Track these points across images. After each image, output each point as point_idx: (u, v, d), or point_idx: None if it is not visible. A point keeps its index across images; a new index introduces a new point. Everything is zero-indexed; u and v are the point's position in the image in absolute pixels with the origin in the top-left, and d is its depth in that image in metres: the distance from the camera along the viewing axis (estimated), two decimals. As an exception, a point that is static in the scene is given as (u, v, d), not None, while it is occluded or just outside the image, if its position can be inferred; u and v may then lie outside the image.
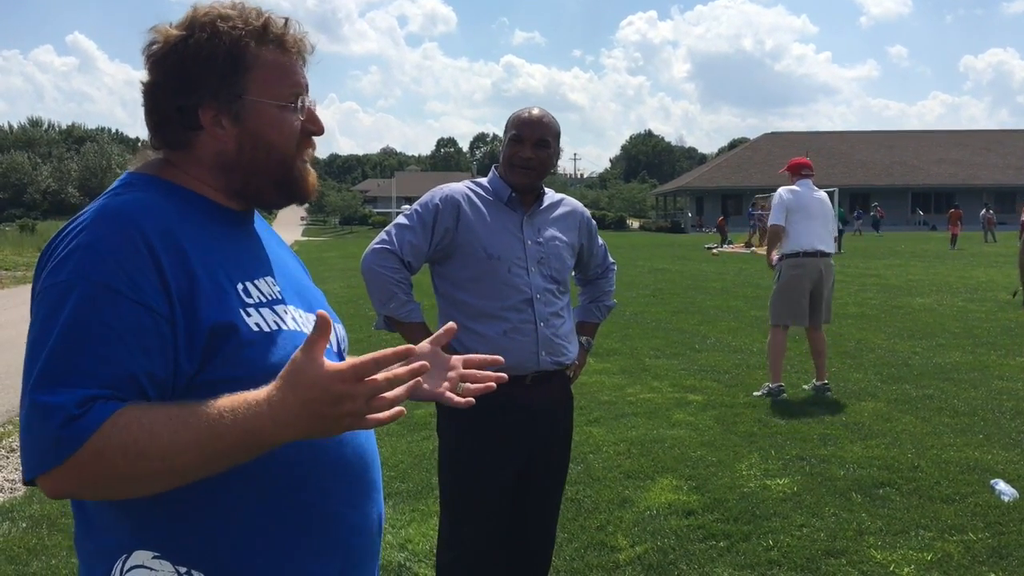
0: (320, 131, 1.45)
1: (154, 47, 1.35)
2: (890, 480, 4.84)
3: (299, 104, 1.40)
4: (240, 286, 1.33)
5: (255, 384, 1.23)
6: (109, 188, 1.37)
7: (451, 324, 1.61)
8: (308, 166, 1.45)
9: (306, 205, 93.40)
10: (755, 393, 7.04)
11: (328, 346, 1.43)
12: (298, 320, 1.38)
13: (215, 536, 1.28)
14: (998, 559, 3.82)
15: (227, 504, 1.27)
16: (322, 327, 1.17)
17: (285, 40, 1.39)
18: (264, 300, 1.35)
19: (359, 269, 2.85)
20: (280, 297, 1.39)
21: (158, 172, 1.40)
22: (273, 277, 1.42)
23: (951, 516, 4.29)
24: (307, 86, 1.42)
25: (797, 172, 7.13)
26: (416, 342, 2.68)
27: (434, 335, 1.62)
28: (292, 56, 1.40)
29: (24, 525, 4.48)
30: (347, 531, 1.39)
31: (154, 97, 1.37)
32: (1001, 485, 4.64)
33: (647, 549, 4.00)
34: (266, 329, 1.31)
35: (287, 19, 1.40)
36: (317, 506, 1.34)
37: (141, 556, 1.27)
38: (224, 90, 1.34)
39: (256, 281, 1.36)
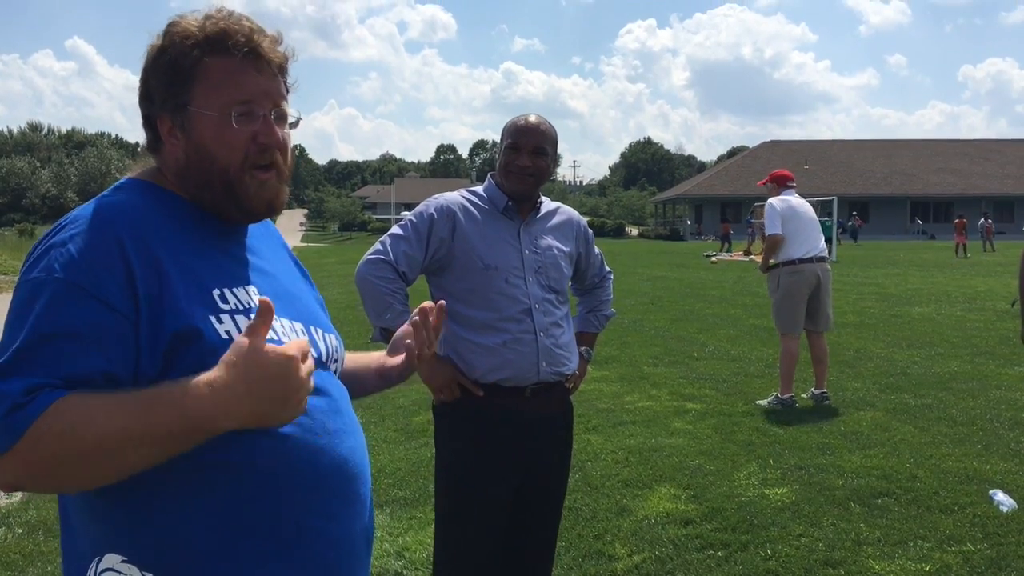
0: (271, 142, 1.37)
1: (145, 57, 1.38)
2: (888, 490, 4.83)
3: (238, 113, 1.34)
4: (217, 292, 1.32)
5: None
6: (103, 191, 1.39)
7: (442, 302, 1.63)
8: (268, 181, 1.39)
9: (305, 211, 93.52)
10: (760, 402, 7.03)
11: (316, 356, 1.42)
12: (278, 330, 1.36)
13: (181, 543, 1.26)
14: (997, 570, 3.81)
15: (194, 511, 1.26)
16: (263, 313, 1.18)
17: (241, 49, 1.34)
18: (241, 308, 1.34)
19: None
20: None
21: (150, 177, 1.41)
22: (258, 286, 1.40)
23: (950, 526, 4.28)
24: (269, 95, 1.37)
25: (784, 184, 7.25)
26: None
27: (419, 308, 1.63)
28: (249, 66, 1.35)
29: (20, 531, 4.46)
30: (324, 544, 1.36)
31: (139, 104, 1.40)
32: (1000, 496, 4.63)
33: (645, 558, 3.99)
34: (236, 337, 1.29)
35: (251, 27, 1.37)
36: (289, 517, 1.32)
37: (111, 559, 1.27)
38: (171, 100, 1.35)
39: (235, 289, 1.36)
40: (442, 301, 1.63)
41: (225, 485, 1.26)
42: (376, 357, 1.68)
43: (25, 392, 1.14)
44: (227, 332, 1.29)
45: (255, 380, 1.17)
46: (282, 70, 1.41)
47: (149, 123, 1.39)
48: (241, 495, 1.27)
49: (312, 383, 1.24)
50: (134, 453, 1.17)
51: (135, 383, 1.23)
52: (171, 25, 1.37)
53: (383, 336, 2.78)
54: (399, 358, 1.64)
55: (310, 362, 1.23)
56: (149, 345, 1.24)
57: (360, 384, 1.64)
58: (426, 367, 2.62)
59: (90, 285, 1.22)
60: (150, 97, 1.37)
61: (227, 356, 1.18)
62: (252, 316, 1.32)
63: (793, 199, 7.10)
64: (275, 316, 1.37)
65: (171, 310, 1.25)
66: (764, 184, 7.46)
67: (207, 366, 1.22)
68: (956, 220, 33.88)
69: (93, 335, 1.20)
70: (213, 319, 1.29)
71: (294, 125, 1.44)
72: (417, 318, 1.59)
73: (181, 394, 1.16)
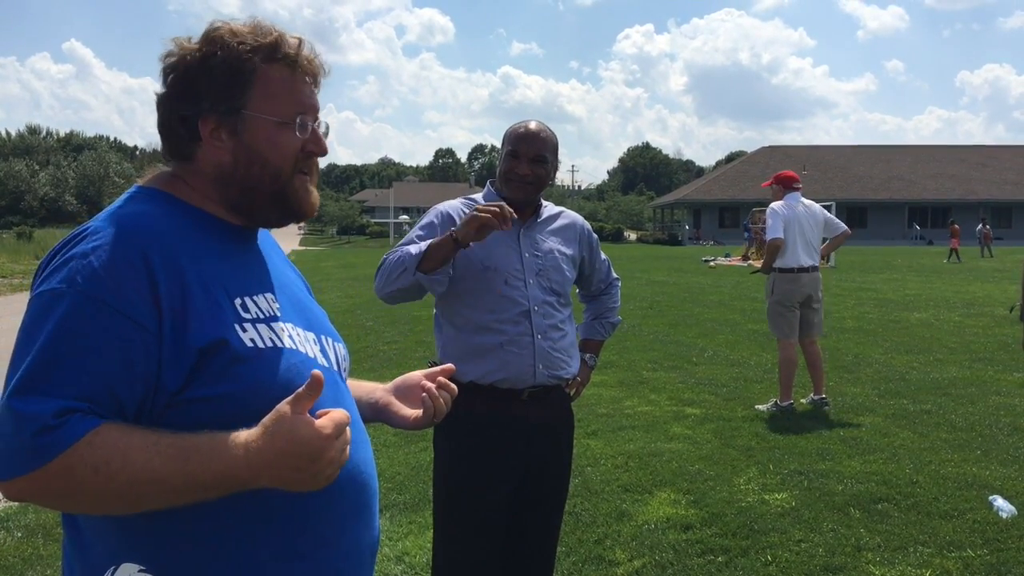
0: (321, 152, 1.44)
1: (168, 59, 1.37)
2: (888, 495, 4.83)
3: (300, 123, 1.39)
4: (238, 301, 1.32)
5: (248, 400, 1.22)
6: (116, 201, 1.37)
7: (449, 365, 1.64)
8: (309, 186, 1.44)
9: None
10: (759, 407, 7.03)
11: (329, 366, 1.43)
12: (295, 338, 1.37)
13: (201, 555, 1.27)
14: (997, 576, 3.81)
15: (216, 523, 1.26)
16: (312, 386, 1.19)
17: (294, 60, 1.39)
18: (262, 316, 1.34)
19: (358, 279, 2.83)
20: (278, 314, 1.38)
21: (163, 186, 1.40)
22: (273, 294, 1.41)
23: (949, 532, 4.28)
24: (315, 108, 1.43)
25: (789, 186, 7.19)
26: (449, 239, 2.50)
27: (431, 370, 1.64)
28: (300, 77, 1.40)
29: (19, 535, 4.46)
30: (338, 556, 1.37)
31: (163, 107, 1.38)
32: (999, 501, 4.63)
33: (645, 563, 3.98)
34: (261, 345, 1.30)
35: (301, 40, 1.41)
36: (307, 528, 1.33)
37: (128, 569, 1.26)
38: (224, 102, 1.35)
39: (255, 297, 1.36)
40: (451, 365, 1.64)
41: (246, 496, 1.25)
42: (370, 389, 1.66)
43: (56, 414, 1.13)
44: (251, 340, 1.29)
45: (287, 455, 1.18)
46: (318, 83, 1.46)
47: (186, 124, 1.37)
48: (261, 506, 1.27)
49: (347, 454, 1.25)
50: (163, 497, 1.18)
51: (154, 397, 1.23)
52: (215, 30, 1.37)
53: (430, 277, 2.58)
54: (412, 412, 1.59)
55: (347, 435, 1.24)
56: (172, 360, 1.23)
57: None
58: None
59: (114, 300, 1.20)
60: (194, 98, 1.35)
61: (268, 421, 1.19)
62: (272, 325, 1.34)
63: (799, 205, 7.09)
64: (292, 324, 1.39)
65: (195, 324, 1.25)
66: (768, 186, 7.41)
67: (231, 375, 1.23)
68: (951, 225, 34.03)
69: (119, 353, 1.19)
70: (237, 328, 1.29)
71: (324, 135, 1.47)
72: (432, 385, 1.59)
73: (218, 450, 1.17)
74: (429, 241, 2.59)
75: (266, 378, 1.28)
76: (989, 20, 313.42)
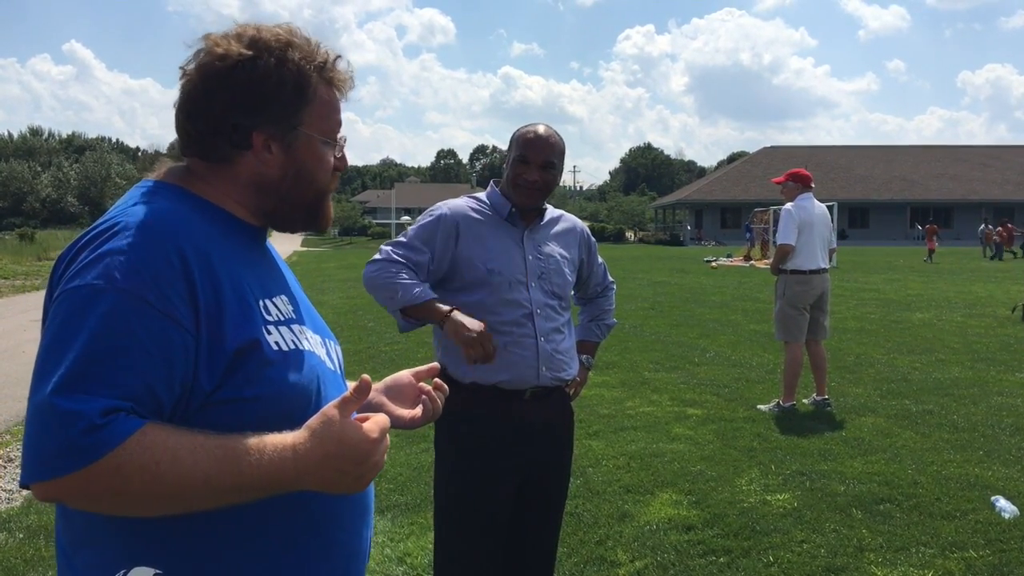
0: (345, 168, 1.49)
1: (214, 60, 1.33)
2: (890, 496, 4.82)
3: (340, 143, 1.45)
4: (261, 303, 1.33)
5: (275, 402, 1.23)
6: (130, 194, 1.35)
7: (434, 364, 1.67)
8: (330, 201, 1.49)
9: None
10: (761, 407, 7.03)
11: (334, 368, 1.46)
12: (310, 340, 1.38)
13: (219, 558, 1.26)
14: (999, 577, 3.80)
15: (234, 526, 1.26)
16: (360, 390, 1.21)
17: (337, 78, 1.42)
18: (282, 318, 1.35)
19: (359, 280, 2.83)
20: (295, 316, 1.39)
21: (181, 182, 1.38)
22: (287, 296, 1.42)
23: (952, 533, 4.28)
24: (342, 125, 1.47)
25: (806, 184, 7.12)
26: (439, 315, 2.58)
27: (418, 369, 1.65)
28: (339, 95, 1.44)
29: (21, 536, 4.45)
30: (346, 557, 1.40)
31: (208, 108, 1.34)
32: (1002, 502, 4.63)
33: (647, 564, 3.98)
34: (285, 348, 1.31)
35: (339, 56, 1.43)
36: (319, 531, 1.34)
37: (142, 573, 1.25)
38: (285, 119, 1.36)
39: (274, 299, 1.37)
40: (435, 364, 1.68)
41: (264, 500, 1.24)
42: None
43: (103, 413, 1.11)
44: (276, 343, 1.30)
45: (335, 457, 1.19)
46: (347, 99, 1.49)
47: (238, 131, 1.35)
48: (277, 509, 1.27)
49: (385, 459, 1.27)
50: (208, 498, 1.17)
51: (190, 397, 1.22)
52: (275, 37, 1.36)
53: (407, 321, 2.71)
54: (408, 412, 1.59)
55: (387, 440, 1.26)
56: (208, 361, 1.23)
57: None
58: (451, 324, 2.58)
59: (155, 298, 1.19)
60: (254, 109, 1.34)
61: (315, 424, 1.20)
62: (292, 327, 1.35)
63: (814, 208, 7.03)
64: (304, 327, 1.40)
65: (230, 325, 1.25)
66: (781, 182, 7.29)
67: (260, 378, 1.25)
68: (927, 226, 34.23)
69: (160, 352, 1.18)
70: (264, 330, 1.29)
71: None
72: (429, 387, 1.61)
73: (268, 452, 1.18)
74: (426, 298, 2.63)
75: (291, 381, 1.29)
76: (991, 20, 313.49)
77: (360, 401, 1.21)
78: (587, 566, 3.99)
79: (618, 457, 5.68)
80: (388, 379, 1.66)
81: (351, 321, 12.78)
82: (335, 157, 1.45)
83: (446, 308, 2.59)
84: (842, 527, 4.37)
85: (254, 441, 1.18)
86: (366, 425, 1.22)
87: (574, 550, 4.14)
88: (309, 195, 1.42)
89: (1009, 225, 35.52)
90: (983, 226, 37.72)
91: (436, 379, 1.63)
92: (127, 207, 1.30)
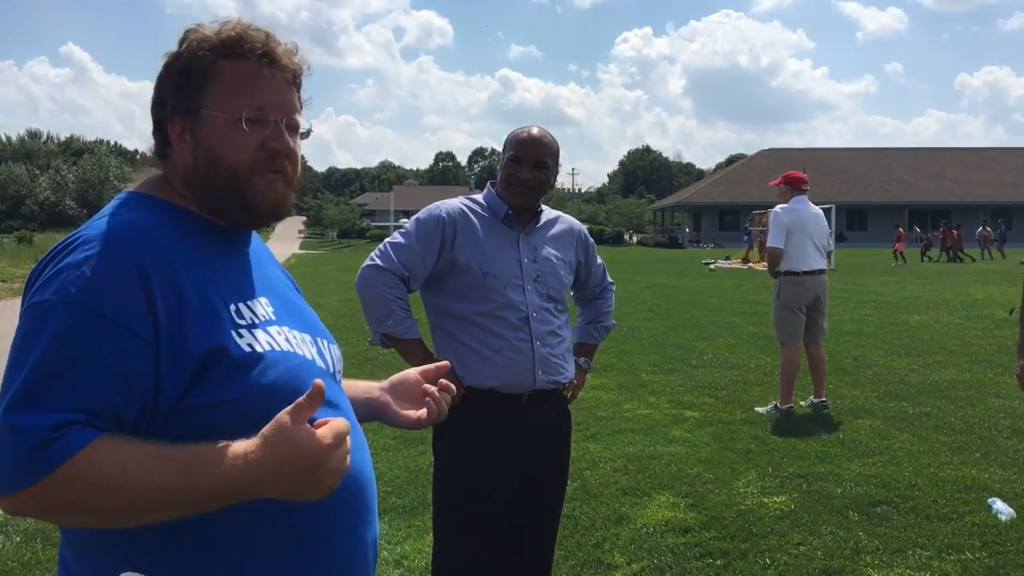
0: (281, 149, 1.37)
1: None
2: (887, 498, 4.83)
3: (252, 118, 1.35)
4: (233, 307, 1.31)
5: (249, 406, 1.21)
6: (105, 207, 1.36)
7: (444, 362, 1.65)
8: (277, 184, 1.39)
9: (303, 218, 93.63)
10: (758, 409, 7.03)
11: (326, 368, 1.43)
12: (292, 340, 1.37)
13: (207, 562, 1.26)
14: (995, 579, 3.81)
15: (221, 529, 1.25)
16: (315, 396, 1.17)
17: (259, 55, 1.35)
18: (257, 321, 1.33)
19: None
20: (273, 318, 1.37)
21: (152, 190, 1.40)
22: (267, 297, 1.40)
23: (948, 535, 4.28)
24: (283, 104, 1.38)
25: (798, 187, 7.12)
26: (415, 359, 2.70)
27: (425, 367, 1.63)
28: (265, 72, 1.36)
29: (18, 539, 4.45)
30: (343, 557, 1.37)
31: (151, 112, 1.40)
32: (998, 504, 4.63)
33: (644, 567, 3.98)
34: (259, 350, 1.29)
35: (268, 34, 1.38)
36: (312, 532, 1.32)
37: None
38: (182, 103, 1.35)
39: (249, 302, 1.35)
40: (446, 362, 1.65)
41: (251, 502, 1.23)
42: (367, 388, 1.65)
43: (55, 427, 1.12)
44: (248, 345, 1.28)
45: (288, 465, 1.16)
46: (296, 80, 1.42)
47: (160, 128, 1.38)
48: (265, 511, 1.25)
49: (348, 463, 1.23)
50: (163, 510, 1.17)
51: (155, 405, 1.22)
52: (189, 32, 1.37)
53: (383, 341, 2.80)
54: (413, 412, 1.58)
55: (347, 444, 1.22)
56: (170, 369, 1.22)
57: None
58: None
59: (110, 310, 1.19)
60: (162, 102, 1.37)
61: (267, 431, 1.17)
62: (268, 329, 1.33)
63: (805, 209, 7.02)
64: (288, 327, 1.38)
65: (193, 332, 1.24)
66: (777, 185, 7.30)
67: (230, 382, 1.23)
68: (897, 229, 34.50)
69: (116, 364, 1.18)
70: (234, 333, 1.28)
71: (304, 136, 1.44)
72: (434, 388, 1.59)
73: (218, 461, 1.16)
74: (411, 336, 2.78)
75: (265, 383, 1.27)
76: (989, 22, 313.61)
77: (314, 407, 1.17)
78: (584, 568, 3.99)
79: (615, 459, 5.68)
80: (395, 377, 1.64)
81: (349, 323, 12.76)
82: (264, 135, 1.35)
83: (418, 358, 2.72)
84: (839, 529, 4.38)
85: (207, 450, 1.17)
86: (320, 431, 1.18)
87: (571, 553, 4.14)
88: (222, 177, 1.34)
89: (954, 231, 35.70)
90: (981, 228, 37.76)
91: (443, 379, 1.61)
92: (93, 221, 1.32)
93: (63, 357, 1.16)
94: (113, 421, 1.18)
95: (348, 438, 1.22)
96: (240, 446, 1.17)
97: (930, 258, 34.68)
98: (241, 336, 1.29)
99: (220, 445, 1.17)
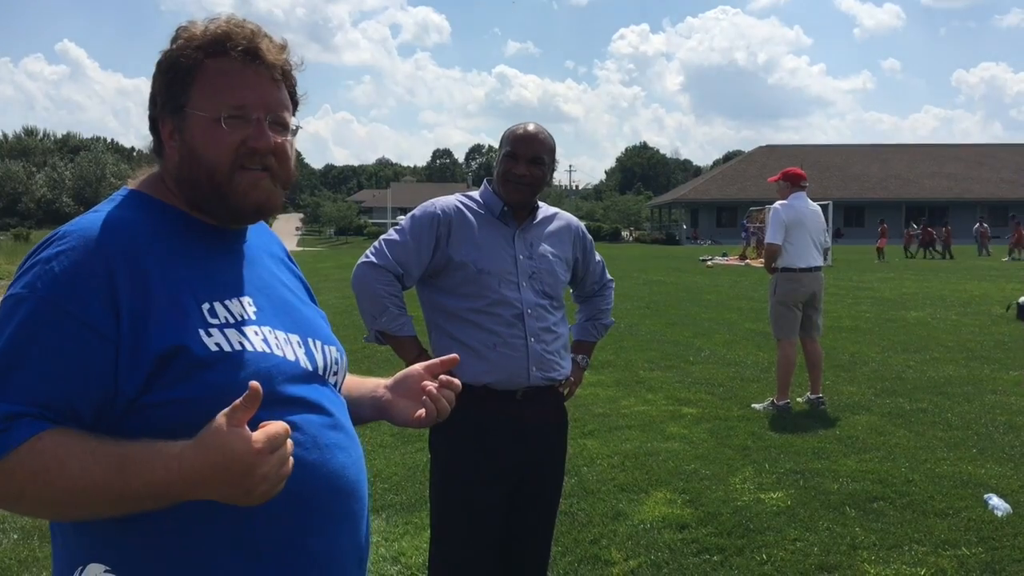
0: (262, 146, 1.35)
1: None
2: (884, 494, 4.84)
3: (238, 117, 1.34)
4: (206, 305, 1.31)
5: (212, 404, 1.18)
6: (100, 204, 1.38)
7: (454, 356, 1.61)
8: (261, 183, 1.37)
9: (301, 216, 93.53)
10: (755, 406, 7.04)
11: (314, 369, 1.40)
12: (270, 341, 1.35)
13: (165, 557, 1.26)
14: (991, 574, 3.82)
15: (179, 526, 1.25)
16: (251, 398, 1.14)
17: (243, 52, 1.34)
18: (232, 320, 1.32)
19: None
20: (252, 317, 1.36)
21: (146, 188, 1.41)
22: (252, 296, 1.39)
23: (945, 531, 4.29)
24: (267, 102, 1.36)
25: (797, 183, 7.12)
26: (409, 356, 2.71)
27: (430, 362, 1.60)
28: (251, 70, 1.35)
29: (15, 536, 4.45)
30: (306, 560, 1.33)
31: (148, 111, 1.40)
32: (995, 500, 4.64)
33: (641, 563, 3.99)
34: (227, 350, 1.28)
35: (254, 31, 1.36)
36: (271, 532, 1.30)
37: (94, 570, 1.27)
38: (171, 102, 1.36)
39: (227, 301, 1.34)
40: (455, 356, 1.61)
41: (209, 501, 1.21)
42: (373, 387, 1.63)
43: (5, 418, 1.14)
44: (216, 344, 1.28)
45: (221, 468, 1.14)
46: (286, 77, 1.40)
47: (154, 127, 1.39)
48: (224, 508, 1.22)
49: (288, 468, 1.19)
50: (101, 506, 1.18)
51: (114, 402, 1.23)
52: (180, 30, 1.37)
53: (377, 338, 2.80)
54: (415, 410, 1.56)
55: (284, 449, 1.18)
56: (130, 366, 1.23)
57: (354, 410, 1.56)
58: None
59: (72, 306, 1.21)
60: (152, 101, 1.38)
61: (203, 433, 1.15)
62: (243, 329, 1.32)
63: (804, 206, 7.02)
64: (270, 328, 1.37)
65: (156, 331, 1.24)
66: (776, 181, 7.30)
67: (192, 381, 1.23)
68: (880, 226, 34.66)
69: (74, 358, 1.20)
70: (202, 332, 1.27)
71: (293, 133, 1.42)
72: (434, 386, 1.57)
73: (152, 461, 1.15)
74: (406, 333, 2.79)
75: (231, 382, 1.24)
76: (985, 18, 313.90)
77: (250, 409, 1.14)
78: (581, 565, 3.99)
79: (612, 456, 5.69)
80: (400, 374, 1.62)
81: (347, 321, 12.74)
82: (246, 133, 1.34)
83: (412, 356, 2.73)
84: (835, 525, 4.39)
85: (144, 449, 1.16)
86: (254, 435, 1.15)
87: (568, 549, 4.15)
88: (203, 175, 1.34)
89: (929, 229, 35.90)
90: (977, 224, 37.81)
91: (444, 375, 1.58)
92: (79, 217, 1.34)
93: (22, 350, 1.18)
94: (69, 416, 1.19)
95: (287, 442, 1.19)
96: (176, 447, 1.15)
97: (911, 255, 34.85)
98: (210, 335, 1.28)
99: (158, 445, 1.17)
